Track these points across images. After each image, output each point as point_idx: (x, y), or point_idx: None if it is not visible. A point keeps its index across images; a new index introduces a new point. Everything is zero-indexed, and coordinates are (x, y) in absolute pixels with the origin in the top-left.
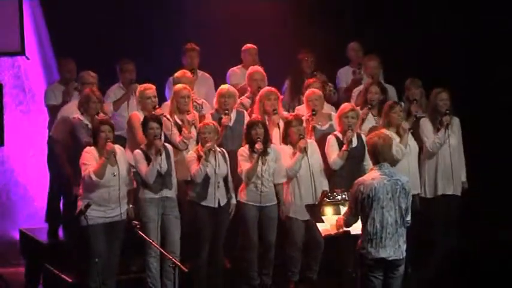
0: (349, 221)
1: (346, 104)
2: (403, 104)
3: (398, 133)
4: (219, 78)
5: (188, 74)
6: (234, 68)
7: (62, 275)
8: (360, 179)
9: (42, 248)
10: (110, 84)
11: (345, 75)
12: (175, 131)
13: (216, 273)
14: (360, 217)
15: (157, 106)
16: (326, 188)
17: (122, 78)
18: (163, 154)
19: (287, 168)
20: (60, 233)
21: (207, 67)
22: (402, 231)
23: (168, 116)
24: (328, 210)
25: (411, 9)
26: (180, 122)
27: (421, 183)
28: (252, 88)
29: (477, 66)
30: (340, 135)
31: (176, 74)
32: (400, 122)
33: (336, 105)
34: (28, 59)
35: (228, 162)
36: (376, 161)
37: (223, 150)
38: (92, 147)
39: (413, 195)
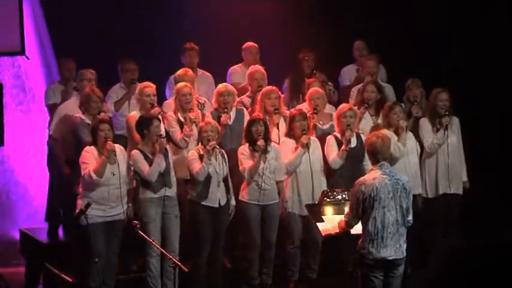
0: (350, 222)
1: (344, 104)
2: (403, 104)
3: (396, 132)
4: (220, 77)
5: (190, 72)
6: (235, 66)
7: (62, 275)
8: (361, 179)
9: (42, 248)
10: (110, 84)
11: (348, 73)
12: (177, 128)
13: (216, 273)
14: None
15: (155, 105)
16: (325, 186)
17: (123, 78)
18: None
19: (287, 163)
20: (60, 232)
21: (207, 66)
22: (403, 231)
23: (171, 113)
24: (329, 210)
25: (411, 9)
26: (182, 120)
27: (422, 183)
28: (252, 87)
29: (477, 66)
30: (339, 136)
31: (178, 73)
32: (398, 122)
33: (338, 104)
34: (28, 58)
35: (227, 163)
36: (376, 161)
37: (222, 150)
38: (92, 147)
39: (414, 195)
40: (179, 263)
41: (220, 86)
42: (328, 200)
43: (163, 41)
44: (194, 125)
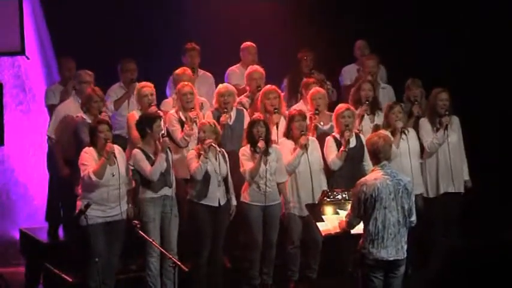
0: (352, 222)
1: (341, 104)
2: (403, 104)
3: (393, 133)
4: (220, 78)
5: (188, 71)
6: (233, 67)
7: (62, 275)
8: (363, 179)
9: (42, 248)
10: (110, 84)
11: (349, 73)
12: (177, 127)
13: (216, 273)
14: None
15: (153, 104)
16: (324, 186)
17: (122, 77)
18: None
19: (286, 164)
20: (60, 232)
21: (207, 66)
22: (404, 232)
23: (173, 112)
24: (329, 210)
25: (411, 9)
26: (183, 119)
27: (422, 183)
28: (251, 87)
29: (477, 66)
30: (338, 136)
31: (176, 71)
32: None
33: (336, 104)
34: (28, 58)
35: (228, 163)
36: (378, 161)
37: (223, 150)
38: (91, 148)
39: (416, 196)
40: (179, 263)
41: (220, 86)
42: (328, 199)
43: (163, 41)
44: (194, 124)
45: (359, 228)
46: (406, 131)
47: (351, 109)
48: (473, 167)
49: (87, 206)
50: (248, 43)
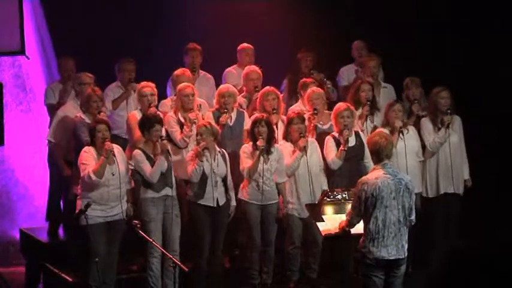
0: (352, 221)
1: (340, 103)
2: (403, 103)
3: (392, 132)
4: (219, 78)
5: (188, 72)
6: (230, 68)
7: (62, 275)
8: (364, 178)
9: (42, 248)
10: (110, 84)
11: (347, 74)
12: (177, 128)
13: (215, 273)
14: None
15: (153, 104)
16: (325, 187)
17: (119, 77)
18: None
19: (286, 166)
20: (61, 232)
21: (206, 67)
22: (405, 231)
23: (172, 113)
24: (329, 210)
25: (411, 9)
26: (183, 120)
27: (422, 183)
28: (248, 88)
29: (477, 66)
30: (337, 135)
31: (176, 72)
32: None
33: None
34: (28, 58)
35: (228, 163)
36: (379, 160)
37: (223, 150)
38: (90, 147)
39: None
40: (179, 263)
41: (222, 86)
42: (328, 199)
43: (164, 41)
44: (194, 125)
45: (359, 228)
46: (405, 130)
47: (351, 109)
48: (473, 167)
49: (87, 206)
50: (245, 44)
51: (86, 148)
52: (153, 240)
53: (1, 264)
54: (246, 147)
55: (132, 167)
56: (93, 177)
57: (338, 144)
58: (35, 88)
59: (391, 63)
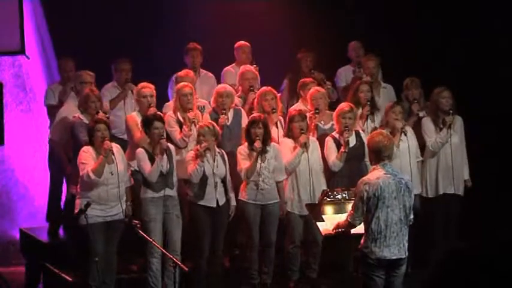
0: (354, 222)
1: (344, 103)
2: (404, 104)
3: (392, 133)
4: (219, 78)
5: (191, 74)
6: (228, 67)
7: (62, 274)
8: (365, 178)
9: (42, 248)
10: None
11: (344, 74)
12: (176, 128)
13: (215, 272)
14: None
15: (152, 105)
16: (325, 186)
17: (116, 77)
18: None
19: (286, 163)
20: (61, 232)
21: (206, 67)
22: (406, 230)
23: (171, 113)
24: (329, 209)
25: (411, 9)
26: (182, 120)
27: (422, 183)
28: (243, 87)
29: (477, 66)
30: (337, 136)
31: (179, 73)
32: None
33: (335, 105)
34: (28, 58)
35: (227, 163)
36: (379, 160)
37: (222, 151)
38: (89, 147)
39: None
40: (179, 263)
41: (219, 86)
42: (328, 199)
43: (164, 41)
44: (193, 125)
45: (359, 229)
46: (405, 131)
47: (354, 110)
48: (472, 167)
49: (87, 206)
50: (242, 42)
51: (84, 148)
52: (153, 240)
53: (1, 264)
54: (242, 149)
55: (133, 168)
56: (92, 176)
57: (338, 144)
58: (35, 88)
59: (391, 63)
